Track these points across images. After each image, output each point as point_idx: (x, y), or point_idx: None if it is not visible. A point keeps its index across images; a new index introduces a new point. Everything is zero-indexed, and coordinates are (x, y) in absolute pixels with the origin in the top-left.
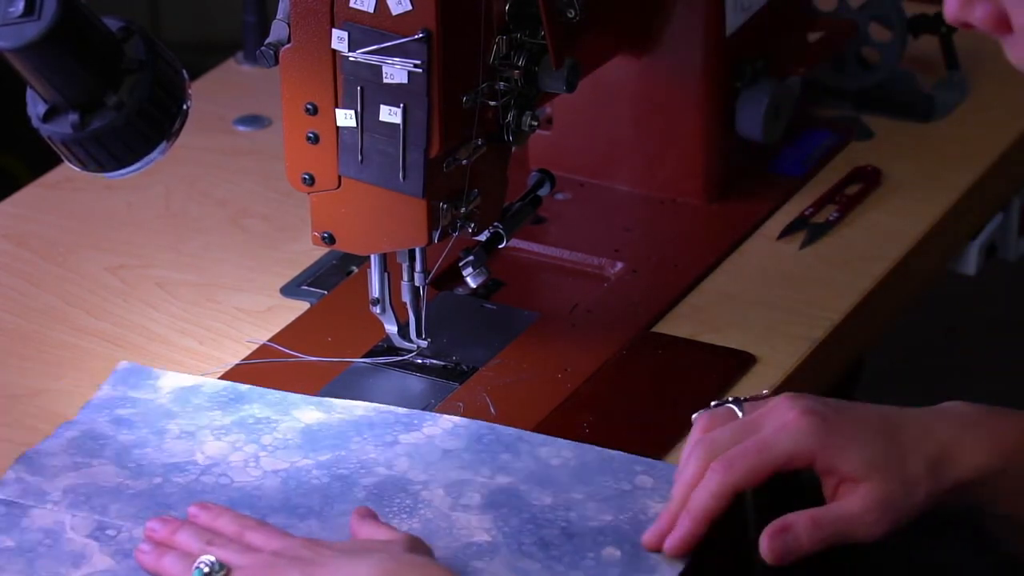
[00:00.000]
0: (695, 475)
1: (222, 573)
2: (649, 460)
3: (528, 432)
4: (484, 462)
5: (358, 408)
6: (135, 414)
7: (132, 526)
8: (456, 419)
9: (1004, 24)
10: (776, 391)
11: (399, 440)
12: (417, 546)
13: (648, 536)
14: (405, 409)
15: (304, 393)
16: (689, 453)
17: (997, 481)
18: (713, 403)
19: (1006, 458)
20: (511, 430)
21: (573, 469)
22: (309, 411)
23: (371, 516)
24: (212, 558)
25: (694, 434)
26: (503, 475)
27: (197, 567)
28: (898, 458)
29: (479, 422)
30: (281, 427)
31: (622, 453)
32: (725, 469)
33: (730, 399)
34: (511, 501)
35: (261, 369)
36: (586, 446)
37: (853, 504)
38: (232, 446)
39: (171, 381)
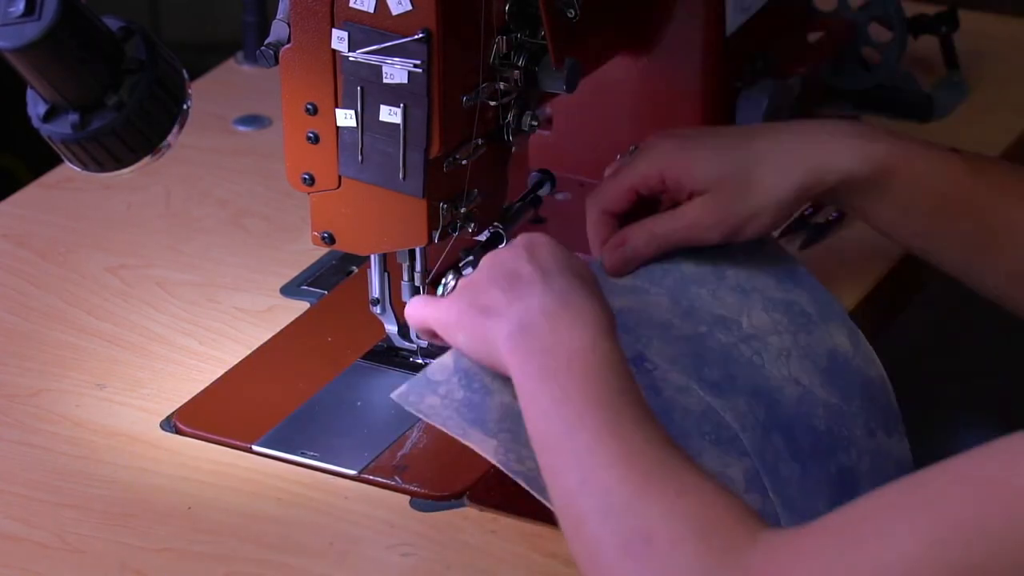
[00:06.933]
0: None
1: (456, 279)
2: None
3: None
4: None
5: (874, 367)
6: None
7: (668, 368)
8: (908, 452)
9: None
10: None
11: (876, 434)
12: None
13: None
14: (896, 405)
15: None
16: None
17: (867, 191)
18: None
19: (874, 168)
20: None
21: None
22: (840, 334)
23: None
24: (452, 273)
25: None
26: None
27: (443, 285)
28: (743, 169)
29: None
30: (816, 334)
31: None
32: (592, 195)
33: None
34: None
35: (261, 368)
36: None
37: (690, 211)
38: (774, 326)
39: None
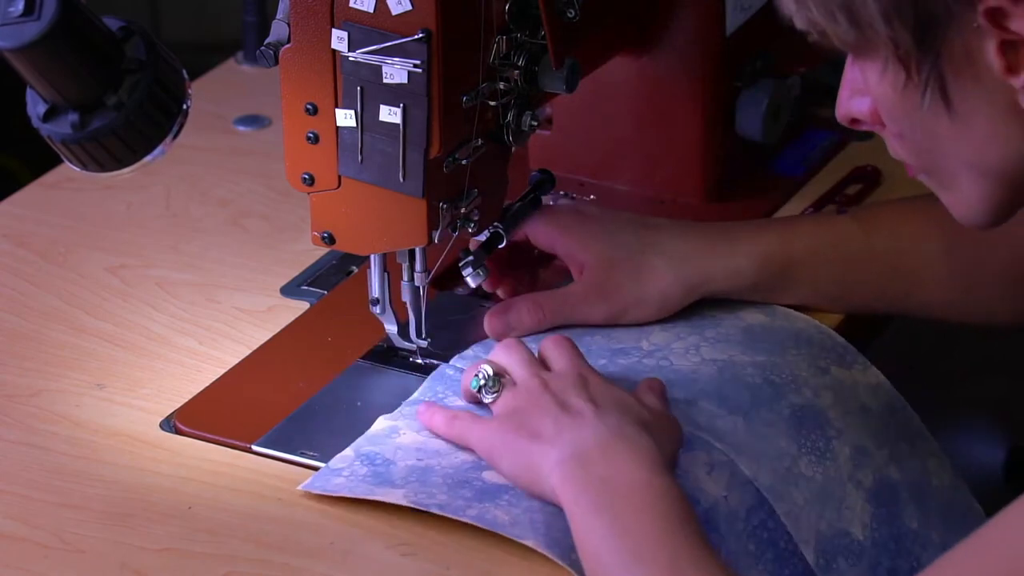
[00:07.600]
0: None
1: (496, 388)
2: None
3: (927, 433)
4: (887, 441)
5: (800, 320)
6: None
7: None
8: (882, 377)
9: (881, 120)
10: None
11: (830, 370)
12: (668, 427)
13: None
14: (843, 340)
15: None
16: None
17: (764, 285)
18: None
19: (763, 262)
20: (917, 420)
21: (945, 504)
22: (751, 314)
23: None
24: (491, 370)
25: None
26: (895, 468)
27: (476, 376)
28: (636, 255)
29: (897, 394)
30: (725, 323)
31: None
32: None
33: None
34: (891, 504)
35: (261, 368)
36: (961, 485)
37: (576, 288)
38: (676, 336)
39: None
